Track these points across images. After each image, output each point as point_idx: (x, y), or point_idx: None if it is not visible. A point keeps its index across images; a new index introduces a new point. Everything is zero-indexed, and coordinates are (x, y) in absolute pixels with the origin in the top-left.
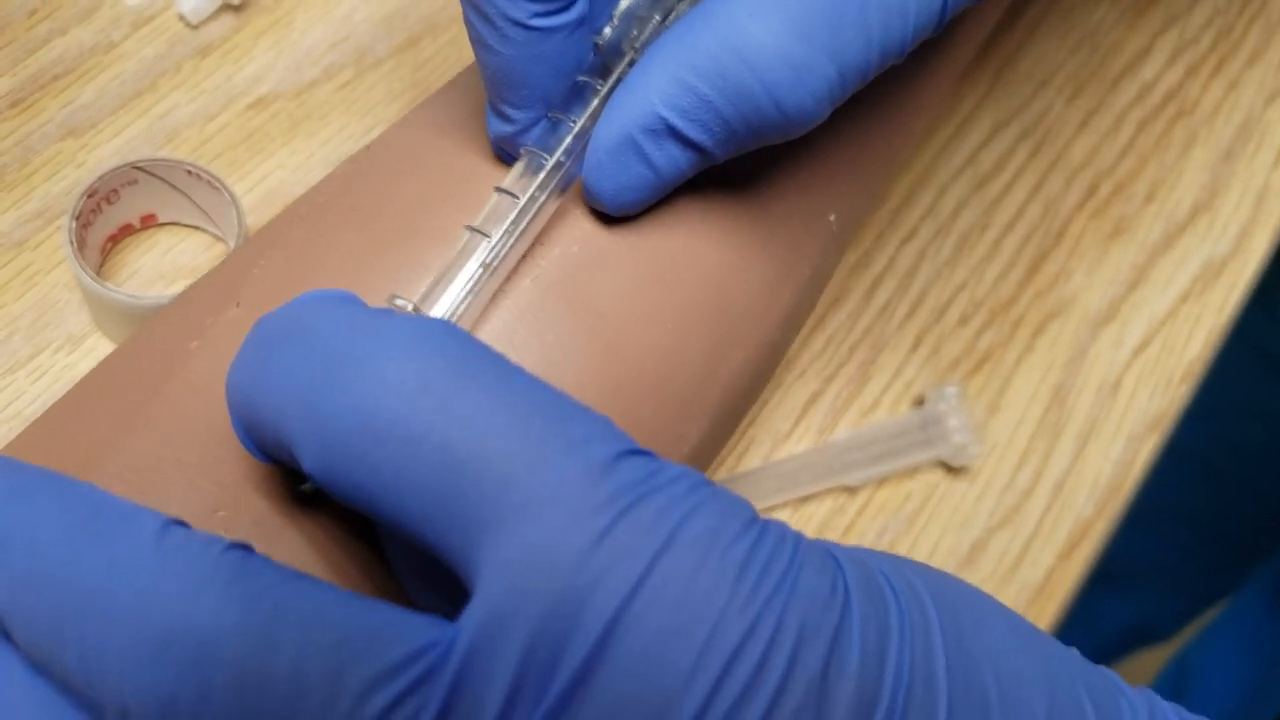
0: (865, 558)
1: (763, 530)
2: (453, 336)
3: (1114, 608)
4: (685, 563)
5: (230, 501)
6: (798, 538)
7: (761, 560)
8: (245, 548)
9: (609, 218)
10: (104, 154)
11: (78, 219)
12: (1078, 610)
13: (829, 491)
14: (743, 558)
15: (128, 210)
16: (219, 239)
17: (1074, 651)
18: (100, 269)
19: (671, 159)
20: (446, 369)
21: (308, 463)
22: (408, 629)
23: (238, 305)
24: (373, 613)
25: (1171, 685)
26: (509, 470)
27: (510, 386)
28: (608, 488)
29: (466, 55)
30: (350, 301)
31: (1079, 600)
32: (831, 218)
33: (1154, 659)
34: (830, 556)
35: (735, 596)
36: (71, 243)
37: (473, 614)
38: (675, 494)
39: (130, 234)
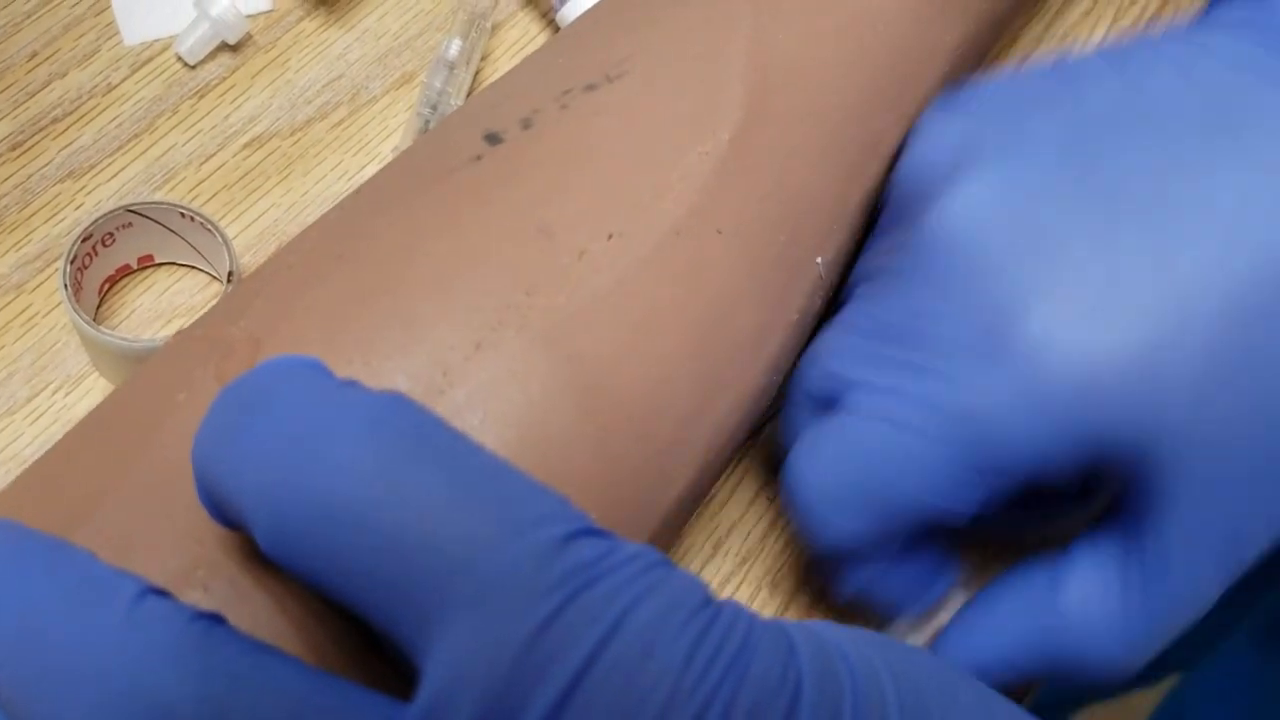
0: (824, 634)
1: (715, 614)
2: (409, 416)
3: None
4: (632, 649)
5: (207, 559)
6: (751, 619)
7: (711, 645)
8: (214, 618)
9: (595, 264)
10: (103, 195)
11: (73, 263)
12: None
13: None
14: (691, 643)
15: (124, 252)
16: (216, 278)
17: None
18: (98, 310)
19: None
20: (401, 451)
21: (261, 540)
22: (360, 707)
23: (224, 356)
24: (328, 689)
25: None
26: (459, 556)
27: (465, 468)
28: (556, 571)
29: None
30: (315, 372)
31: None
32: (819, 260)
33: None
34: (784, 636)
35: (682, 684)
36: (66, 286)
37: (419, 700)
38: (626, 576)
39: (128, 274)
